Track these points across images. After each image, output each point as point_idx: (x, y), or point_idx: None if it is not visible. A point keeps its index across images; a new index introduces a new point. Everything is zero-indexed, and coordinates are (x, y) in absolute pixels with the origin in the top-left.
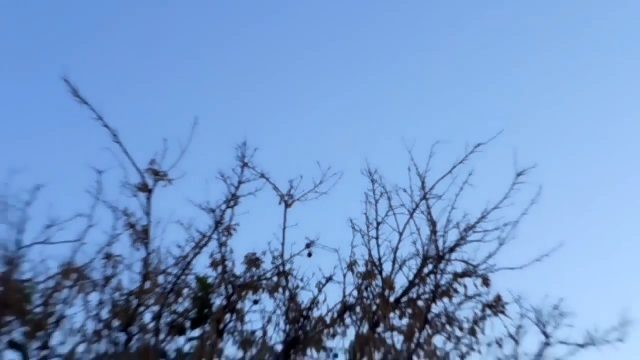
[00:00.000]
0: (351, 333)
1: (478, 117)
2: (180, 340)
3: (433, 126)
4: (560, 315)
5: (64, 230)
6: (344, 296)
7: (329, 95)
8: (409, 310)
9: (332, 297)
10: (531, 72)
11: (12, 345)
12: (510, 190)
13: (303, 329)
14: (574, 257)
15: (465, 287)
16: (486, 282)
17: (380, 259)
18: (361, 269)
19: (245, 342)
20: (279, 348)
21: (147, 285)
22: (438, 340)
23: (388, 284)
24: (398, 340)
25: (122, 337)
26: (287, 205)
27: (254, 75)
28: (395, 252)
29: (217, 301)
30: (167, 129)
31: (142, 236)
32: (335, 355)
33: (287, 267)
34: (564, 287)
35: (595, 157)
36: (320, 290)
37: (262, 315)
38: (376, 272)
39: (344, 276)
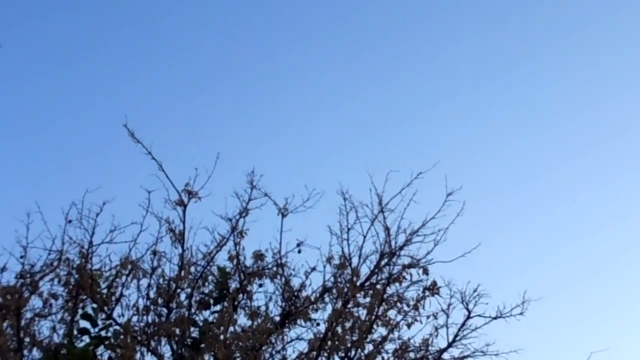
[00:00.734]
0: (329, 308)
1: (421, 148)
2: (206, 313)
3: (388, 155)
4: (478, 296)
5: (123, 233)
6: (324, 281)
7: (314, 134)
8: (370, 292)
9: (316, 282)
10: (463, 115)
11: (85, 316)
12: (442, 206)
13: (295, 305)
14: (488, 253)
15: (411, 275)
16: (425, 271)
17: (349, 255)
18: (336, 262)
19: (253, 314)
20: (277, 319)
21: (182, 273)
22: (391, 313)
23: (355, 272)
24: (362, 313)
25: (164, 311)
26: (284, 216)
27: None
28: (361, 250)
29: (233, 285)
30: (197, 159)
31: (179, 238)
32: (318, 324)
33: (283, 260)
34: (481, 275)
35: (504, 181)
36: (307, 277)
37: (265, 295)
38: (347, 264)
39: (324, 267)
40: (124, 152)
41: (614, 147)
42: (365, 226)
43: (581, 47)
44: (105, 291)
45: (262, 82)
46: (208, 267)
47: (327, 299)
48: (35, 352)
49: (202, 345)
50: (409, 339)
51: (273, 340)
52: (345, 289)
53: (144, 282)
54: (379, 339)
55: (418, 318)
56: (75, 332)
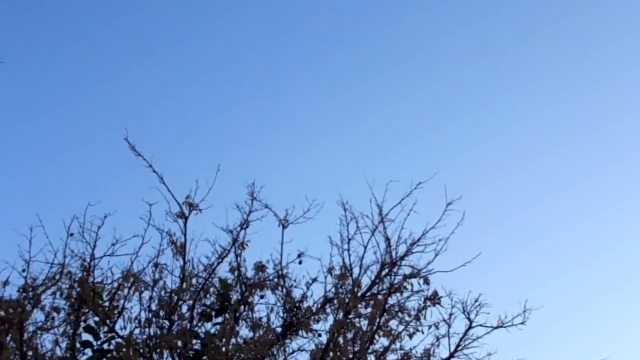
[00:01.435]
0: (330, 319)
1: (420, 158)
2: (208, 324)
3: (388, 165)
4: (479, 305)
5: (125, 246)
6: (325, 292)
7: (314, 145)
8: (372, 302)
9: (317, 293)
10: (462, 125)
11: (87, 329)
12: (442, 215)
13: (296, 316)
14: (488, 263)
15: (412, 285)
16: (426, 281)
17: (350, 265)
18: (337, 272)
19: (255, 326)
20: (279, 330)
21: (184, 285)
22: (393, 324)
23: (356, 283)
24: (364, 324)
25: (166, 323)
26: (284, 227)
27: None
28: (362, 260)
29: (234, 296)
30: (198, 171)
31: (180, 250)
32: (319, 335)
33: (284, 271)
34: (482, 284)
35: (504, 190)
36: (308, 288)
37: (266, 306)
38: (348, 274)
39: (325, 277)
40: (125, 166)
41: (616, 157)
42: (366, 236)
43: (582, 53)
44: (107, 304)
45: (262, 94)
46: (209, 279)
47: (328, 310)
48: None
49: (204, 357)
50: (410, 349)
51: (275, 352)
52: (347, 300)
53: (146, 294)
54: (381, 350)
55: (420, 328)
56: (77, 345)
